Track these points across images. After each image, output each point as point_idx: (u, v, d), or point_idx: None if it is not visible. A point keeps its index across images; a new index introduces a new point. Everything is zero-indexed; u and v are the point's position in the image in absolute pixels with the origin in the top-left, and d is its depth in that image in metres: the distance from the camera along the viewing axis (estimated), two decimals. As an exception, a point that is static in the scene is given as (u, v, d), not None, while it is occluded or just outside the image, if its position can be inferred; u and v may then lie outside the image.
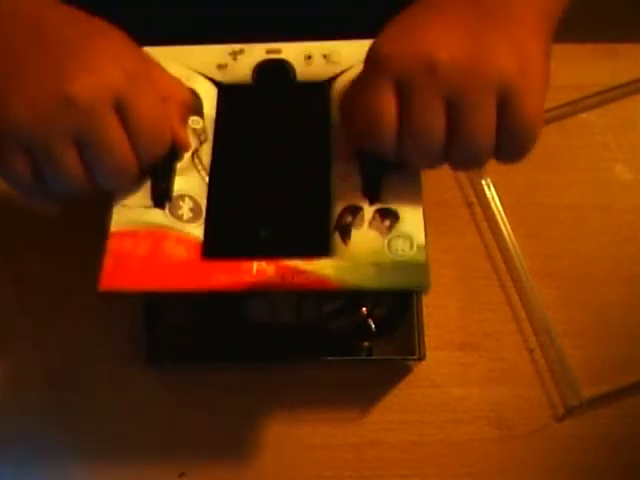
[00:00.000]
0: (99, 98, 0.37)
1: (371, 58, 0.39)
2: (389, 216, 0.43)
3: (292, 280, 0.41)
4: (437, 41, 0.37)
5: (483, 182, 0.58)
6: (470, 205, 0.58)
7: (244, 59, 0.47)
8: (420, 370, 0.54)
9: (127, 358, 0.54)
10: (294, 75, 0.47)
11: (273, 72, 0.47)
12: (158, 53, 0.45)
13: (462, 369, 0.55)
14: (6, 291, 0.56)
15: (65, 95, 0.37)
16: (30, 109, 0.37)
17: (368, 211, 0.43)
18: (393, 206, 0.43)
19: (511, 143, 0.39)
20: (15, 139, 0.38)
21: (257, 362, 0.52)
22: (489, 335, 0.55)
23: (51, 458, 0.53)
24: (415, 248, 0.43)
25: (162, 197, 0.44)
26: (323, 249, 0.43)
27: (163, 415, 0.54)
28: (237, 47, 0.48)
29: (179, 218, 0.44)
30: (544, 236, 0.57)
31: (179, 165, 0.45)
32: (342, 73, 0.47)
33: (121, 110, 0.39)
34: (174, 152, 0.44)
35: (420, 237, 0.43)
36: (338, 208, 0.44)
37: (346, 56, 0.47)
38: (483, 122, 0.37)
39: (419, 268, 0.42)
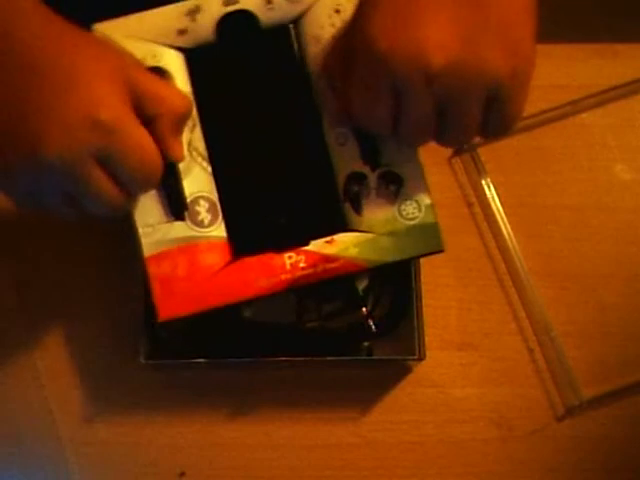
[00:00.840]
0: (78, 162, 0.38)
1: (368, 53, 0.39)
2: (393, 181, 0.45)
3: (324, 268, 0.45)
4: (433, 42, 0.37)
5: (483, 182, 0.58)
6: (470, 205, 0.58)
7: (203, 18, 0.45)
8: (420, 370, 0.54)
9: (127, 358, 0.54)
10: (257, 23, 0.45)
11: (236, 25, 0.45)
12: (114, 28, 0.44)
13: (462, 369, 0.55)
14: (6, 291, 0.56)
15: (44, 165, 0.38)
16: (17, 173, 0.39)
17: (372, 177, 0.45)
18: (394, 168, 0.45)
19: (494, 131, 0.42)
20: (14, 193, 0.41)
21: (257, 362, 0.52)
22: (489, 335, 0.55)
23: (51, 458, 0.53)
24: (423, 209, 0.45)
25: (180, 210, 0.45)
26: (336, 217, 0.46)
27: (163, 415, 0.54)
28: (191, 4, 0.45)
29: (201, 225, 0.45)
30: (544, 236, 0.57)
31: (181, 164, 0.45)
32: (306, 12, 0.45)
33: (104, 162, 0.39)
34: (174, 165, 0.44)
35: (425, 197, 0.45)
36: (342, 176, 0.46)
37: None
38: (472, 119, 0.40)
39: (431, 230, 0.45)
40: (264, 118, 0.47)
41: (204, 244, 0.45)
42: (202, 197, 0.45)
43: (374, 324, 0.52)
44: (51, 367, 0.54)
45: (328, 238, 0.45)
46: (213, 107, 0.46)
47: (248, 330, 0.52)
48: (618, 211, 0.58)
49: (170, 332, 0.52)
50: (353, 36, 0.41)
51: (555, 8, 0.55)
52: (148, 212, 0.45)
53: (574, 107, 0.60)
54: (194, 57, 0.46)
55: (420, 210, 0.45)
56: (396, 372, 0.54)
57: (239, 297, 0.45)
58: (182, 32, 0.45)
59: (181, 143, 0.44)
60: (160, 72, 0.45)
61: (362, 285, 0.53)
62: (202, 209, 0.45)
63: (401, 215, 0.45)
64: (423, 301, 0.52)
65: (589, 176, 0.59)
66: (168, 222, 0.45)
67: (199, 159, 0.46)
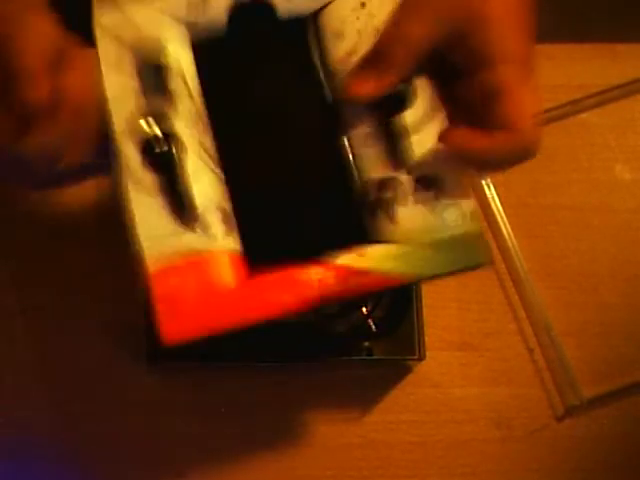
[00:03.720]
0: None
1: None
2: (432, 183, 0.40)
3: (356, 283, 0.39)
4: None
5: (483, 182, 0.58)
6: (470, 205, 0.58)
7: (216, 3, 0.41)
8: (420, 370, 0.54)
9: (127, 358, 0.54)
10: (275, 13, 0.41)
11: (251, 12, 0.41)
12: None
13: (462, 369, 0.55)
14: (6, 291, 0.56)
15: None
16: None
17: (407, 182, 0.40)
18: (430, 170, 0.40)
19: None
20: None
21: (257, 362, 0.52)
22: (489, 335, 0.55)
23: (51, 458, 0.53)
24: (468, 215, 0.39)
25: (189, 218, 0.39)
26: (357, 227, 0.41)
27: (163, 415, 0.54)
28: None
29: (214, 238, 0.39)
30: (544, 236, 0.57)
31: (190, 168, 0.40)
32: (328, 5, 0.41)
33: None
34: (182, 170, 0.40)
35: (468, 201, 0.40)
36: (367, 181, 0.41)
37: None
38: None
39: (476, 241, 0.39)
40: (275, 117, 0.43)
41: (217, 258, 0.39)
42: (215, 206, 0.40)
43: (374, 324, 0.52)
44: (51, 367, 0.54)
45: (360, 251, 0.40)
46: (222, 105, 0.42)
47: (248, 330, 0.52)
48: (618, 211, 0.58)
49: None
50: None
51: (554, 8, 0.55)
52: (152, 222, 0.39)
53: (574, 107, 0.60)
54: (202, 50, 0.42)
55: (465, 217, 0.39)
56: (396, 372, 0.54)
57: (259, 317, 0.39)
58: (192, 5, 0.41)
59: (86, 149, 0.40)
60: (160, 69, 0.40)
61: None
62: (215, 219, 0.40)
63: (444, 223, 0.39)
64: (423, 301, 0.52)
65: (589, 176, 0.59)
66: (176, 234, 0.39)
67: (210, 162, 0.41)
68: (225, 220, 0.40)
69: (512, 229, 0.57)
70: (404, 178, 0.40)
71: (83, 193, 0.58)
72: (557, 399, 0.54)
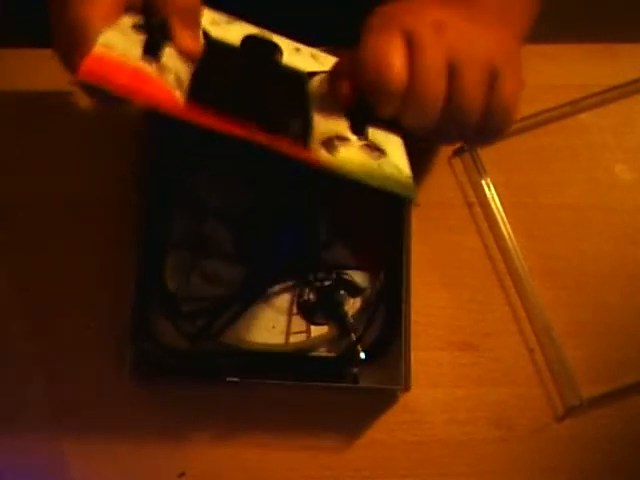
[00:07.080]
0: None
1: (380, 13, 0.42)
2: (377, 150, 0.43)
3: (275, 141, 0.40)
4: (441, 10, 0.42)
5: (483, 182, 0.58)
6: (470, 205, 0.58)
7: (238, 28, 0.48)
8: (420, 370, 0.54)
9: (127, 357, 0.54)
10: (279, 58, 0.48)
11: (261, 47, 0.48)
12: None
13: (462, 369, 0.55)
14: (6, 291, 0.56)
15: None
16: None
17: (355, 142, 0.43)
18: (380, 145, 0.44)
19: (493, 122, 0.43)
20: None
21: (246, 380, 0.51)
22: (489, 335, 0.55)
23: (51, 458, 0.53)
24: (404, 175, 0.43)
25: (151, 49, 0.42)
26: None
27: (163, 415, 0.54)
28: (234, 18, 0.48)
29: (161, 77, 0.41)
30: (544, 236, 0.57)
31: (168, 50, 0.43)
32: (322, 73, 0.48)
33: None
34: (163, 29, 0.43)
35: (407, 170, 0.43)
36: (323, 126, 0.44)
37: (333, 62, 0.48)
38: (478, 90, 0.42)
39: (408, 184, 0.43)
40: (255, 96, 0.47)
41: (158, 84, 0.40)
42: (175, 72, 0.42)
43: (363, 351, 0.51)
44: (51, 367, 0.54)
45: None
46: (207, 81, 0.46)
47: (236, 351, 0.52)
48: (618, 211, 0.58)
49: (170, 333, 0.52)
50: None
51: (555, 8, 0.55)
52: (116, 43, 0.40)
53: (574, 107, 0.60)
54: (213, 50, 0.47)
55: (400, 174, 0.43)
56: (382, 400, 0.54)
57: (176, 111, 0.40)
58: (215, 23, 0.48)
59: (192, 37, 0.44)
60: None
61: (353, 310, 0.53)
62: (171, 76, 0.42)
63: (379, 167, 0.42)
64: (423, 302, 0.52)
65: (589, 176, 0.59)
66: (132, 55, 0.41)
67: (188, 62, 0.44)
68: (178, 81, 0.42)
69: (512, 229, 0.57)
70: (353, 139, 0.44)
71: (85, 198, 0.58)
72: (557, 399, 0.54)
